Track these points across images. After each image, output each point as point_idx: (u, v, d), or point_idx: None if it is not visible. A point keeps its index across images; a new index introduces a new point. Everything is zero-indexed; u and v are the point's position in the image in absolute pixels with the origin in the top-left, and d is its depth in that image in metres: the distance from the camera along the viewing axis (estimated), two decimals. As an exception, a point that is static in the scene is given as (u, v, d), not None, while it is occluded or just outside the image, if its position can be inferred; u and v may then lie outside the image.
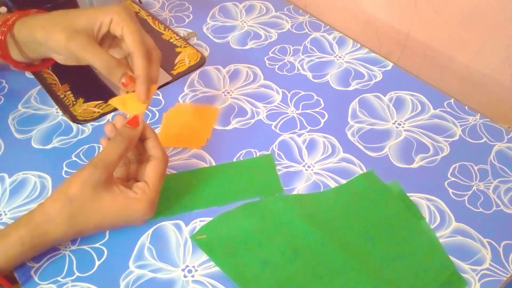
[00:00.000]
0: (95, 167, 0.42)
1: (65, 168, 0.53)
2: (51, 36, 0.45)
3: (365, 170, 0.54)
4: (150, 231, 0.48)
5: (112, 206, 0.43)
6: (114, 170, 0.44)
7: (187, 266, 0.45)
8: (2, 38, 0.50)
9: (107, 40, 0.49)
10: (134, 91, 0.46)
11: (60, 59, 0.50)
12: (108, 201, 0.43)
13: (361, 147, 0.56)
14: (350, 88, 0.64)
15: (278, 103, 0.62)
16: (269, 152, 0.55)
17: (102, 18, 0.46)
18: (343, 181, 0.53)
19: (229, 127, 0.58)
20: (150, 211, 0.45)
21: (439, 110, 0.61)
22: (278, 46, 0.71)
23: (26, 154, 0.55)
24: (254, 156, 0.55)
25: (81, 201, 0.42)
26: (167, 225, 0.48)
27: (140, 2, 0.77)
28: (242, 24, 0.75)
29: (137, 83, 0.45)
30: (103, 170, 0.42)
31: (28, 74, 0.65)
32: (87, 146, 0.56)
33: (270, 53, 0.70)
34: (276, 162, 0.54)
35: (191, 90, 0.63)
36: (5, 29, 0.50)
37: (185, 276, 0.45)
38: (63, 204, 0.42)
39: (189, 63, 0.67)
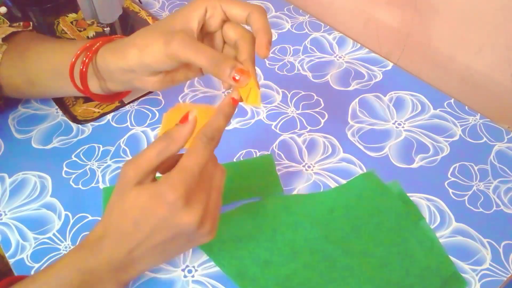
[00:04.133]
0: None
1: (65, 168, 0.53)
2: (146, 50, 0.40)
3: (365, 170, 0.54)
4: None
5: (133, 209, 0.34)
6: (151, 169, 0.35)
7: (187, 266, 0.45)
8: (84, 69, 0.45)
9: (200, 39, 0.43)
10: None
11: (154, 83, 0.43)
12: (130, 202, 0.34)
13: (361, 147, 0.56)
14: (350, 88, 0.64)
15: (278, 103, 0.62)
16: (269, 152, 0.55)
17: (197, 12, 0.40)
18: (343, 181, 0.53)
19: (229, 127, 0.58)
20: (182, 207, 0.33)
21: (439, 110, 0.61)
22: (278, 46, 0.71)
23: (26, 154, 0.55)
24: (254, 156, 0.55)
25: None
26: (167, 225, 0.48)
27: (140, 2, 0.77)
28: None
29: (258, 37, 0.39)
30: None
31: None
32: (87, 146, 0.56)
33: (270, 53, 0.69)
34: (276, 162, 0.54)
35: (191, 90, 0.63)
36: (87, 59, 0.45)
37: (185, 276, 0.45)
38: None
39: (189, 63, 0.67)
